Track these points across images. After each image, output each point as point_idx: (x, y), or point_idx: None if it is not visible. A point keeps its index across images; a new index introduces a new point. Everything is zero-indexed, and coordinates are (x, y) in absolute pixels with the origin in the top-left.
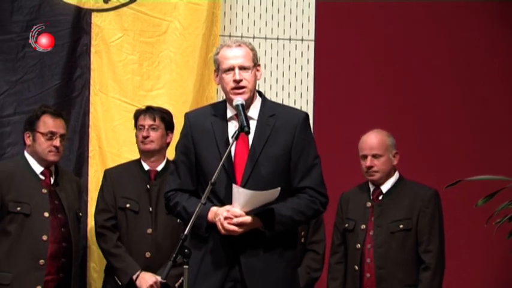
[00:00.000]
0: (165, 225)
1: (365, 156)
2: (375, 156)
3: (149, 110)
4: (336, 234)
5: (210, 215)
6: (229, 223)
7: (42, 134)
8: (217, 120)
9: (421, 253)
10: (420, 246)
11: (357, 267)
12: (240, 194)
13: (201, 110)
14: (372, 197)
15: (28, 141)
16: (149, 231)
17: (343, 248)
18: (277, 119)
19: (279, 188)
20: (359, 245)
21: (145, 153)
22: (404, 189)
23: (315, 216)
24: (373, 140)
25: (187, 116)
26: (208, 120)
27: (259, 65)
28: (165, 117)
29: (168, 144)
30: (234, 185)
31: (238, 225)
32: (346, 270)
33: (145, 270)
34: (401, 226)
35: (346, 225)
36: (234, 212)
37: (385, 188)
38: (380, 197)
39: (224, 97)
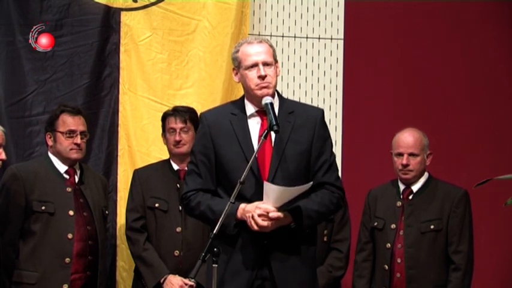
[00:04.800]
0: (195, 224)
1: (400, 154)
2: (411, 155)
3: (179, 112)
4: (363, 231)
5: (239, 213)
6: (263, 219)
7: (62, 133)
8: (236, 118)
9: (451, 254)
10: (450, 246)
11: (386, 267)
12: (273, 191)
13: (217, 109)
14: (402, 196)
15: (50, 142)
16: (178, 229)
17: (371, 246)
18: (297, 116)
19: (311, 183)
20: (389, 245)
21: (178, 156)
22: (435, 189)
23: (337, 210)
24: (410, 138)
25: (203, 115)
26: (226, 118)
27: (277, 62)
28: (194, 118)
29: None
30: (265, 182)
31: (271, 220)
32: (373, 268)
33: (175, 269)
34: (432, 226)
35: (375, 223)
36: (267, 208)
37: (415, 187)
38: (410, 197)
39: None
